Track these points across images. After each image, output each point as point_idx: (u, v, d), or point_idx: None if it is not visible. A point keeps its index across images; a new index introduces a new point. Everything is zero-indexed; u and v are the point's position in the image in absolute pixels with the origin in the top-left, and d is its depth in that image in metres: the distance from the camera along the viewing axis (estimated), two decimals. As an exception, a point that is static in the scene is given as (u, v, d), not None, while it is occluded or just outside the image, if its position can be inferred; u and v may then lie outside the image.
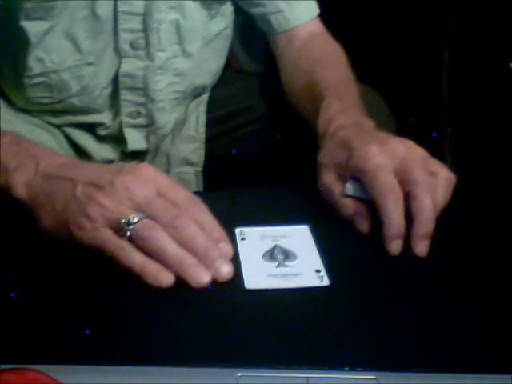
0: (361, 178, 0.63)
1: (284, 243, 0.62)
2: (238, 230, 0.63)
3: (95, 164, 0.64)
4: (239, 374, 0.46)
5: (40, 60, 0.82)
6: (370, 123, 0.70)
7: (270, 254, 0.60)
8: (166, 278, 0.55)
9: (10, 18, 0.80)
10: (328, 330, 0.52)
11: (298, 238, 0.63)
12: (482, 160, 1.13)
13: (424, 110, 1.23)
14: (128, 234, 0.56)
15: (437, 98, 1.23)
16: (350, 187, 0.65)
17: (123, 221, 0.56)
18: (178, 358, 0.48)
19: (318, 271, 0.58)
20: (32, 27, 0.80)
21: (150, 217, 0.57)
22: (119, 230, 0.57)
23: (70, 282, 0.56)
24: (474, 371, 0.47)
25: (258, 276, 0.58)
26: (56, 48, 0.82)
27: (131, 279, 0.56)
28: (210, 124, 0.97)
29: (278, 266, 0.59)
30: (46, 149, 0.66)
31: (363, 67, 0.85)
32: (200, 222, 0.58)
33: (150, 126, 0.91)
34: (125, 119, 0.89)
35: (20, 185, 0.61)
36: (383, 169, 0.62)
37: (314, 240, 0.62)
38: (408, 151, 0.64)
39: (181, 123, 0.95)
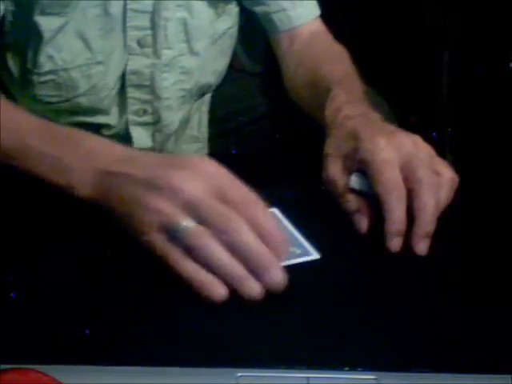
0: (366, 171, 0.63)
1: None
2: None
3: (152, 155, 0.62)
4: (239, 374, 0.46)
5: (50, 57, 0.83)
6: (377, 115, 0.70)
7: None
8: (218, 291, 0.53)
9: (24, 13, 0.80)
10: (328, 330, 0.52)
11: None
12: (482, 160, 1.13)
13: (424, 109, 1.23)
14: (179, 240, 0.54)
15: (437, 97, 1.22)
16: (354, 180, 0.64)
17: (174, 227, 0.54)
18: (178, 358, 0.48)
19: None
20: (46, 23, 0.80)
21: (202, 221, 0.54)
22: (171, 235, 0.54)
23: (70, 282, 0.56)
24: (474, 371, 0.47)
25: None
26: (67, 46, 0.82)
27: (131, 279, 0.56)
28: (212, 123, 0.97)
29: None
30: (99, 140, 0.64)
31: (363, 67, 0.85)
32: (257, 224, 0.54)
33: (156, 123, 0.91)
34: (131, 117, 0.90)
35: (81, 185, 0.60)
36: (389, 164, 0.61)
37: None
38: (415, 147, 0.63)
39: (185, 123, 0.95)
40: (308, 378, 0.47)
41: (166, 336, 0.51)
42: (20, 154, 0.63)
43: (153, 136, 0.92)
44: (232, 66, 1.02)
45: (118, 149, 0.62)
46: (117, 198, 0.58)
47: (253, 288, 0.53)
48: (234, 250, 0.53)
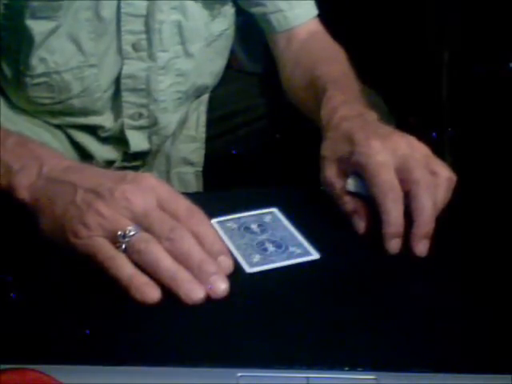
0: (362, 175, 0.63)
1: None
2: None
3: (99, 169, 0.63)
4: (239, 374, 0.46)
5: (43, 60, 0.82)
6: (373, 115, 0.70)
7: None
8: (151, 294, 0.53)
9: (15, 17, 0.80)
10: (328, 330, 0.52)
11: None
12: (481, 160, 1.13)
13: (424, 110, 1.23)
14: (123, 246, 0.55)
15: (436, 97, 1.23)
16: (351, 183, 0.64)
17: (119, 233, 0.55)
18: (178, 358, 0.48)
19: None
20: (37, 26, 0.80)
21: (147, 229, 0.56)
22: (115, 241, 0.55)
23: (69, 282, 0.56)
24: (474, 371, 0.47)
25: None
26: (59, 49, 0.82)
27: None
28: (210, 124, 0.97)
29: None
30: (51, 150, 0.65)
31: (363, 67, 0.85)
32: (200, 234, 0.56)
33: (152, 126, 0.91)
34: (126, 121, 0.89)
35: (23, 187, 0.61)
36: (384, 167, 0.61)
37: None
38: (410, 148, 0.63)
39: (182, 123, 0.95)
40: (308, 378, 0.47)
41: (166, 336, 0.51)
42: None
43: (149, 138, 0.92)
44: (231, 66, 1.02)
45: (67, 161, 0.63)
46: (59, 204, 0.58)
47: (195, 291, 0.53)
48: (177, 256, 0.55)
